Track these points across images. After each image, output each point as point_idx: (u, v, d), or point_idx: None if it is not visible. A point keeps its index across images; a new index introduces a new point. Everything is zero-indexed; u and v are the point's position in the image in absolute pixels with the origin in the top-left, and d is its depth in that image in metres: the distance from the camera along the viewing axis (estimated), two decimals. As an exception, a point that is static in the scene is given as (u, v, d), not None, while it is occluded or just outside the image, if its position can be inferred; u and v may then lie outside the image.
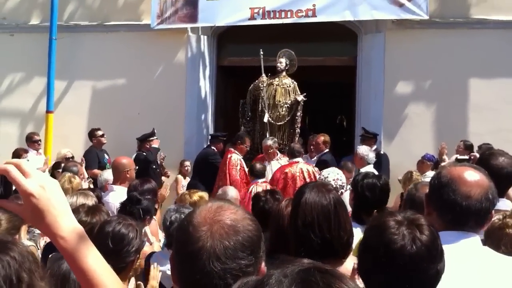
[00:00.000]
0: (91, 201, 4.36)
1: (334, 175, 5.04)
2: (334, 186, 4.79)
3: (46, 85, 10.56)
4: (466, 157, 6.60)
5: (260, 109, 9.43)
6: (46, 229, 1.47)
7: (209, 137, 10.05)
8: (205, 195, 5.23)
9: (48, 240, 4.14)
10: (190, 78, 10.82)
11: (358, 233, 2.83)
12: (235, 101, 10.56)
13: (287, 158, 8.70)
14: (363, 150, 7.67)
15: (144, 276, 3.66)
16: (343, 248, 2.45)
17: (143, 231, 3.77)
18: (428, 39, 9.86)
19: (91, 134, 9.59)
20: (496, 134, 9.01)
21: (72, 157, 9.23)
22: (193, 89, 10.83)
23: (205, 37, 11.04)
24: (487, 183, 2.27)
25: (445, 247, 2.14)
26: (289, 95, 9.44)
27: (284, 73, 9.60)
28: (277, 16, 9.94)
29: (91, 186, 7.20)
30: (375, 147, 9.09)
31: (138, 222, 3.34)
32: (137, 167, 6.15)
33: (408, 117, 10.00)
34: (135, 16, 10.92)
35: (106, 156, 9.33)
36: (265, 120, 9.26)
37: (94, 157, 9.09)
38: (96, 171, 8.51)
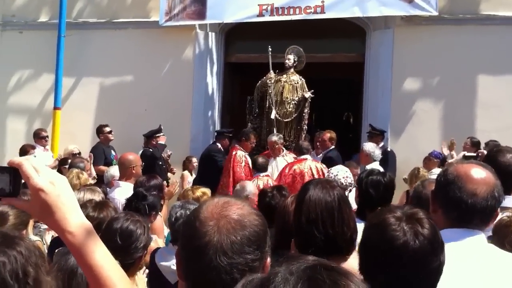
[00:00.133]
0: (98, 196, 4.38)
1: (343, 173, 5.02)
2: (344, 184, 4.78)
3: (54, 82, 10.60)
4: (474, 154, 6.59)
5: (267, 105, 9.43)
6: (55, 225, 1.48)
7: (215, 133, 10.06)
8: (207, 191, 5.27)
9: (54, 235, 4.18)
10: (198, 74, 10.84)
11: (362, 230, 2.83)
12: (242, 97, 10.57)
13: (293, 155, 8.71)
14: (369, 147, 7.64)
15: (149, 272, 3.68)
16: (347, 244, 2.45)
17: None
18: (437, 35, 9.81)
19: (99, 130, 9.62)
20: (504, 131, 8.97)
21: (79, 153, 9.26)
22: (201, 86, 10.84)
23: (213, 34, 11.05)
24: (494, 181, 2.26)
25: (450, 245, 2.14)
26: (297, 92, 9.44)
27: (292, 70, 9.59)
28: (286, 12, 9.92)
29: (92, 182, 7.22)
30: (382, 144, 9.06)
31: (144, 218, 3.36)
32: (143, 164, 6.16)
33: (416, 114, 9.97)
34: (143, 13, 10.94)
35: (113, 153, 9.35)
36: (272, 116, 9.26)
37: (101, 154, 9.11)
38: (102, 167, 8.54)
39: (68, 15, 10.65)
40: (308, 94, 9.32)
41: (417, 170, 7.27)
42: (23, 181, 1.47)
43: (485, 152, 5.83)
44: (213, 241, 1.44)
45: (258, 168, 7.72)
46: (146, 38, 10.80)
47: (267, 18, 10.00)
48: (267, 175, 7.73)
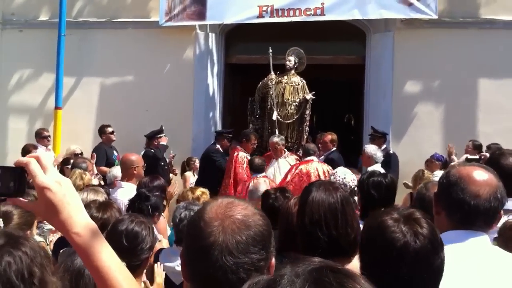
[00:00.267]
0: (101, 197, 4.37)
1: (350, 175, 5.04)
2: (352, 186, 4.78)
3: (54, 81, 10.60)
4: (477, 156, 6.59)
5: (268, 107, 9.44)
6: (60, 225, 1.48)
7: (215, 134, 10.06)
8: (206, 191, 5.30)
9: (58, 235, 4.17)
10: (198, 75, 10.84)
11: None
12: (243, 98, 10.56)
13: (295, 156, 8.73)
14: (371, 149, 7.65)
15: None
16: (350, 245, 2.45)
17: None
18: (437, 38, 9.84)
19: (101, 131, 9.62)
20: (505, 134, 8.99)
21: (81, 153, 9.26)
22: (201, 87, 10.84)
23: (213, 34, 11.05)
24: (496, 183, 2.27)
25: (453, 246, 2.16)
26: (298, 94, 9.44)
27: (293, 71, 9.59)
28: (286, 14, 9.93)
29: (101, 182, 7.23)
30: (384, 146, 9.07)
31: (148, 219, 3.36)
32: (145, 164, 6.16)
33: (417, 116, 9.99)
34: (143, 13, 10.94)
35: (115, 153, 9.35)
36: (274, 118, 9.26)
37: (103, 154, 9.10)
38: (103, 168, 8.55)
39: (68, 14, 10.64)
40: (309, 96, 9.32)
41: (422, 172, 7.26)
42: (30, 180, 1.47)
43: (488, 155, 5.84)
44: (218, 241, 1.45)
45: (255, 169, 7.71)
46: (146, 38, 10.79)
47: (267, 19, 10.00)
48: (265, 176, 7.73)
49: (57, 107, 10.53)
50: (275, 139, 8.56)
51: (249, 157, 8.44)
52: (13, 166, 1.48)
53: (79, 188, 5.29)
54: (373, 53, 10.41)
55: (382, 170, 5.44)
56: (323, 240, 2.42)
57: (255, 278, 1.10)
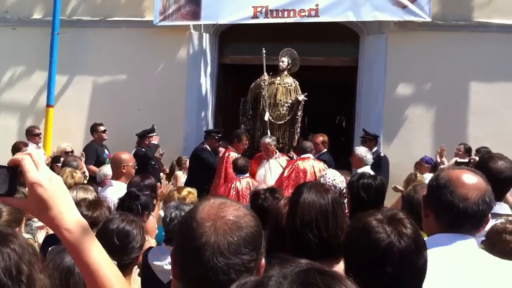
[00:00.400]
0: (90, 195, 4.37)
1: (339, 177, 5.05)
2: (342, 188, 4.79)
3: (47, 79, 10.60)
4: (466, 160, 6.62)
5: (261, 107, 9.44)
6: (51, 221, 1.49)
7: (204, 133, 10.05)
8: (193, 190, 5.29)
9: (46, 233, 4.16)
10: (191, 75, 10.84)
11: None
12: (235, 99, 10.56)
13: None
14: (361, 151, 7.66)
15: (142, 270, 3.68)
16: (340, 247, 2.45)
17: None
18: (430, 41, 9.87)
19: (93, 129, 9.59)
20: (496, 138, 9.02)
21: (72, 151, 9.24)
22: (194, 86, 10.84)
23: (207, 34, 11.05)
24: (485, 186, 2.29)
25: (440, 249, 2.17)
26: (290, 95, 9.44)
27: (285, 72, 9.59)
28: (280, 15, 9.94)
29: (85, 181, 7.20)
30: (375, 148, 9.09)
31: (138, 218, 3.36)
32: (136, 163, 6.15)
33: (408, 119, 10.02)
34: (137, 12, 10.93)
35: (106, 152, 9.33)
36: (266, 119, 9.26)
37: (93, 153, 9.08)
38: (92, 167, 8.54)
39: (62, 13, 10.63)
40: (301, 97, 9.33)
41: (414, 176, 7.27)
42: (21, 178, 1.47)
43: (477, 158, 5.87)
44: (210, 241, 1.45)
45: (238, 170, 7.71)
46: (140, 38, 10.78)
47: (261, 20, 10.01)
48: (248, 177, 7.77)
49: (48, 105, 10.52)
50: (267, 139, 8.57)
51: (240, 158, 8.45)
52: (5, 165, 1.48)
53: (69, 187, 5.27)
54: (366, 55, 10.44)
55: (372, 172, 5.46)
56: (313, 241, 2.43)
57: (242, 279, 1.11)
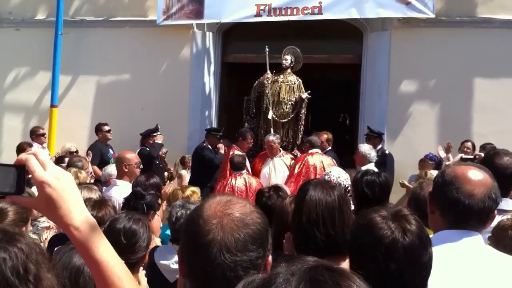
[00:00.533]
0: (95, 194, 4.38)
1: (344, 175, 5.04)
2: (347, 185, 4.79)
3: (50, 79, 10.60)
4: (471, 156, 6.61)
5: (264, 106, 9.44)
6: (60, 220, 1.48)
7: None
8: (197, 190, 5.28)
9: (52, 233, 4.17)
10: (195, 74, 10.84)
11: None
12: (239, 97, 10.58)
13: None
14: (365, 148, 7.64)
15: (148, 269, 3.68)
16: (347, 244, 2.46)
17: None
18: (434, 38, 9.83)
19: (98, 128, 9.61)
20: (501, 134, 8.98)
21: (77, 151, 9.26)
22: (198, 85, 10.84)
23: (211, 33, 11.05)
24: (491, 183, 2.28)
25: (447, 245, 2.17)
26: (294, 93, 9.45)
27: (289, 70, 9.60)
28: (283, 13, 9.92)
29: (91, 180, 7.22)
30: (380, 146, 9.09)
31: (143, 216, 3.37)
32: (139, 162, 6.15)
33: (412, 115, 9.99)
34: (140, 12, 10.93)
35: (111, 151, 9.35)
36: (269, 117, 9.27)
37: (97, 152, 9.10)
38: (95, 167, 8.56)
39: (65, 13, 10.64)
40: (305, 95, 9.34)
41: (425, 173, 7.25)
42: (29, 176, 1.47)
43: (482, 154, 5.85)
44: (217, 239, 1.46)
45: (235, 167, 7.72)
46: (143, 37, 10.79)
47: (264, 18, 9.99)
48: (247, 173, 7.80)
49: (52, 105, 10.53)
50: (271, 138, 8.57)
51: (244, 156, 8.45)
52: (13, 164, 1.48)
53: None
54: (369, 52, 10.41)
55: (376, 170, 5.45)
56: (320, 239, 2.42)
57: (250, 277, 1.10)
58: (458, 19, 9.83)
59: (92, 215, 3.36)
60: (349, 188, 4.63)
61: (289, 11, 9.88)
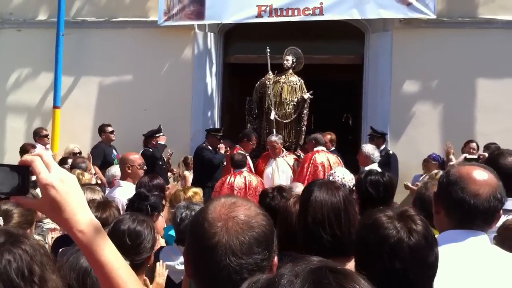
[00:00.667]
0: (98, 195, 4.37)
1: (348, 175, 5.04)
2: (351, 186, 4.78)
3: (53, 80, 10.60)
4: (475, 156, 6.60)
5: (266, 106, 9.44)
6: (64, 223, 1.48)
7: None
8: (199, 191, 5.28)
9: (57, 235, 4.17)
10: (197, 75, 10.84)
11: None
12: (241, 98, 10.56)
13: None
14: (369, 148, 7.63)
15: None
16: (352, 245, 2.45)
17: None
18: (436, 38, 9.84)
19: (101, 130, 9.62)
20: (504, 134, 8.97)
21: (80, 153, 9.26)
22: (200, 86, 10.85)
23: (212, 34, 11.06)
24: (496, 182, 2.27)
25: (453, 245, 2.16)
26: (296, 93, 9.44)
27: (290, 71, 9.59)
28: (284, 14, 9.92)
29: (98, 181, 7.23)
30: (383, 146, 9.09)
31: (148, 217, 3.36)
32: (143, 163, 6.15)
33: (415, 116, 9.99)
34: (142, 13, 10.94)
35: (115, 152, 9.35)
36: (272, 117, 9.26)
37: (100, 154, 9.10)
38: (96, 169, 8.56)
39: (66, 14, 10.65)
40: (307, 95, 9.33)
41: (435, 174, 7.23)
42: (33, 177, 1.47)
43: (486, 154, 5.84)
44: (222, 241, 1.45)
45: (235, 165, 7.71)
46: (145, 38, 10.79)
47: (265, 19, 9.99)
48: (246, 171, 7.79)
49: (55, 107, 10.53)
50: (273, 138, 8.58)
51: (248, 157, 8.45)
52: (18, 164, 1.48)
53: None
54: (371, 52, 10.41)
55: (379, 170, 5.44)
56: (326, 239, 2.42)
57: (254, 277, 1.09)
58: (459, 20, 9.85)
59: (96, 216, 3.36)
60: (353, 188, 4.63)
61: (290, 12, 9.88)
